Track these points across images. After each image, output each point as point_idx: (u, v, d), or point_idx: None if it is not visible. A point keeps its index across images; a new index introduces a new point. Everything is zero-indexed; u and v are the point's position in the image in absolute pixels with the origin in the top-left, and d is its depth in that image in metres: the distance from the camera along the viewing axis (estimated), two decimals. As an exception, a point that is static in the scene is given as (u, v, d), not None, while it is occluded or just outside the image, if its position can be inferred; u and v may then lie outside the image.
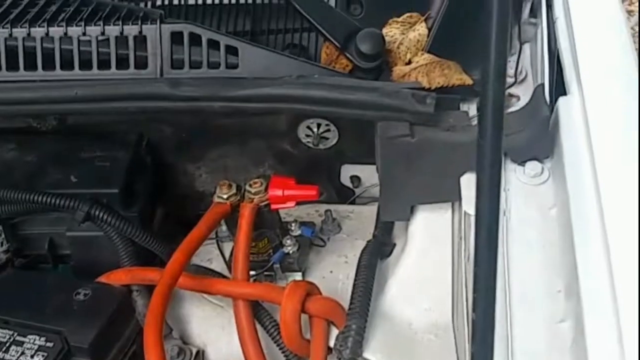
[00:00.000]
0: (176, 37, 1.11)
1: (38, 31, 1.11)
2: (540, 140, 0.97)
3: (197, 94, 1.07)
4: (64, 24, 1.11)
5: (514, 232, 0.88)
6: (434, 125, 1.03)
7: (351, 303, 1.04)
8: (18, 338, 1.05)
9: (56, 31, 1.11)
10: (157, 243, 1.21)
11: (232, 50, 1.11)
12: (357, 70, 1.16)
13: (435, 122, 1.03)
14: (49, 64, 1.11)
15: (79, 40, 1.10)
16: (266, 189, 1.14)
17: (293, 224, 1.19)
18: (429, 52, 1.17)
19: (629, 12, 3.39)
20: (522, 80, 1.17)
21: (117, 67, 1.11)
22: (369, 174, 1.35)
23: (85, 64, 1.10)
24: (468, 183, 0.99)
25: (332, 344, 1.05)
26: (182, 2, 1.34)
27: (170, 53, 1.10)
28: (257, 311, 1.10)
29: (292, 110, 1.12)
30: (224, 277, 1.17)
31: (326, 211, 1.28)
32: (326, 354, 1.05)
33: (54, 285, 1.16)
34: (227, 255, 1.23)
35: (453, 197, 1.03)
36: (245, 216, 1.12)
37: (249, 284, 1.11)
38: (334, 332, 1.06)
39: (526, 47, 1.23)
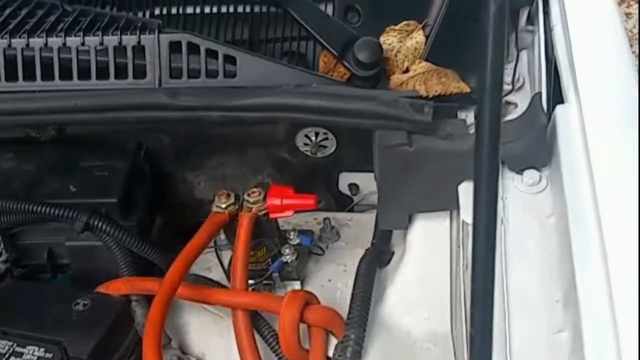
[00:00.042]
0: (174, 47, 1.11)
1: (37, 41, 1.11)
2: (538, 148, 0.97)
3: (195, 104, 1.08)
4: (62, 34, 1.11)
5: (512, 241, 0.88)
6: (432, 134, 1.03)
7: (350, 312, 1.04)
8: (17, 349, 1.05)
9: (55, 41, 1.11)
10: (156, 253, 1.21)
11: (230, 60, 1.11)
12: (355, 78, 1.16)
13: (433, 130, 1.03)
14: (47, 75, 1.11)
15: (77, 51, 1.11)
16: (264, 198, 1.14)
17: (292, 233, 1.19)
18: (426, 60, 1.17)
19: (627, 15, 3.40)
20: (520, 88, 1.18)
21: (116, 77, 1.11)
22: (367, 182, 1.35)
23: (84, 74, 1.11)
24: (466, 191, 0.99)
25: (330, 353, 1.05)
26: (181, 12, 1.34)
27: (168, 63, 1.11)
28: (256, 321, 1.10)
29: (291, 119, 1.13)
30: (223, 286, 1.17)
31: (325, 219, 1.28)
32: (325, 363, 1.05)
33: (53, 296, 1.16)
34: (225, 264, 1.24)
35: (451, 205, 1.03)
36: (243, 225, 1.12)
37: (247, 294, 1.11)
38: (333, 341, 1.06)
39: (523, 54, 1.23)
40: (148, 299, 1.12)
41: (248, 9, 1.32)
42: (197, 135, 1.33)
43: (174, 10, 1.34)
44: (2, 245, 1.24)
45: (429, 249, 1.08)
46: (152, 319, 1.03)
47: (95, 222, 1.17)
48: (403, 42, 1.19)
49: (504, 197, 0.93)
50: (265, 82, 1.10)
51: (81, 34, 1.11)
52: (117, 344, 1.10)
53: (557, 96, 1.03)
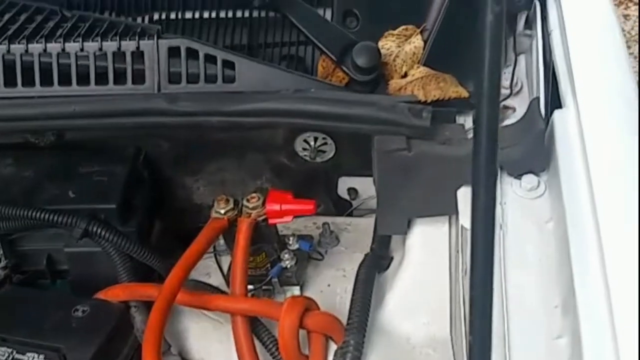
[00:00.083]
0: (173, 52, 1.11)
1: (36, 47, 1.11)
2: (536, 153, 0.97)
3: (194, 109, 1.08)
4: (61, 40, 1.11)
5: (511, 246, 0.88)
6: (431, 139, 1.04)
7: (349, 318, 1.04)
8: (17, 356, 1.05)
9: (54, 47, 1.11)
10: (155, 258, 1.21)
11: (229, 65, 1.11)
12: (354, 83, 1.16)
13: (432, 135, 1.04)
14: (46, 80, 1.11)
15: (76, 56, 1.11)
16: (263, 204, 1.14)
17: (291, 238, 1.19)
18: (424, 64, 1.18)
19: (625, 16, 3.41)
20: (518, 92, 1.18)
21: (115, 83, 1.11)
22: (366, 186, 1.35)
23: (83, 80, 1.11)
24: (464, 196, 0.99)
25: (330, 359, 1.05)
26: (180, 17, 1.34)
27: (167, 68, 1.11)
28: (255, 327, 1.10)
29: (289, 124, 1.13)
30: (222, 292, 1.17)
31: (324, 224, 1.28)
32: (325, 369, 1.05)
33: (53, 302, 1.16)
34: (225, 269, 1.24)
35: (450, 210, 1.03)
36: (242, 231, 1.12)
37: (247, 300, 1.11)
38: (333, 347, 1.06)
39: (521, 59, 1.24)
40: (147, 305, 1.12)
41: (247, 14, 1.32)
42: (196, 141, 1.33)
43: (172, 15, 1.34)
44: (1, 252, 1.24)
45: (428, 254, 1.08)
46: (152, 325, 1.03)
47: (94, 229, 1.17)
48: (401, 46, 1.20)
49: (502, 202, 0.93)
50: (264, 87, 1.10)
51: (80, 39, 1.11)
52: (117, 350, 1.10)
53: (555, 101, 1.03)
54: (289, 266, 1.16)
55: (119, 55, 1.11)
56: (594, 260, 0.79)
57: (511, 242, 0.88)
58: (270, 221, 1.15)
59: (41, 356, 1.04)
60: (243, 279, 1.10)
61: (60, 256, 1.24)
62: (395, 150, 1.02)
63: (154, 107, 1.08)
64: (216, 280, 1.23)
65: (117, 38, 1.11)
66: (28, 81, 1.11)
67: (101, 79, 1.11)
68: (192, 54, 1.11)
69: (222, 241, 1.24)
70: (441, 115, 1.06)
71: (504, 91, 1.17)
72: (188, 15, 1.34)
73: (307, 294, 1.18)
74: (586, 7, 1.16)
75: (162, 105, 1.07)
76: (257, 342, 1.09)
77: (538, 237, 0.89)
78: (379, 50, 1.16)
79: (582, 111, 0.96)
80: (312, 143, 1.31)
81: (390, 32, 1.21)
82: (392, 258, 1.17)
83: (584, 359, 0.71)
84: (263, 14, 1.31)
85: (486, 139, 0.65)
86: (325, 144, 1.31)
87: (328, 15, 1.29)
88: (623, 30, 3.31)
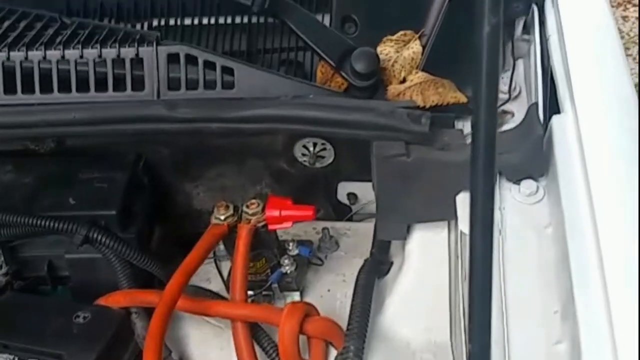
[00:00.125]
0: (172, 59, 1.12)
1: (35, 54, 1.12)
2: (535, 159, 0.97)
3: (194, 116, 1.08)
4: (61, 47, 1.12)
5: (510, 251, 0.88)
6: (429, 144, 1.04)
7: (349, 324, 1.04)
8: (18, 362, 1.05)
9: (53, 54, 1.11)
10: (155, 264, 1.21)
11: (228, 71, 1.12)
12: (352, 88, 1.16)
13: (431, 141, 1.04)
14: (46, 87, 1.11)
15: (76, 63, 1.11)
16: (263, 210, 1.14)
17: (290, 244, 1.19)
18: (423, 70, 1.18)
19: (624, 18, 3.41)
20: (516, 97, 1.18)
21: (115, 89, 1.11)
22: (365, 191, 1.35)
23: (83, 87, 1.11)
24: (463, 202, 0.99)
25: (331, 364, 1.05)
26: (179, 23, 1.34)
27: (166, 74, 1.11)
28: (256, 332, 1.10)
29: (289, 130, 1.13)
30: (222, 297, 1.17)
31: (323, 229, 1.29)
32: (325, 375, 1.05)
33: (54, 309, 1.17)
34: (225, 274, 1.24)
35: (449, 216, 1.04)
36: (242, 237, 1.13)
37: (247, 306, 1.11)
38: (333, 352, 1.06)
39: (520, 63, 1.24)
40: (148, 311, 1.12)
41: (245, 20, 1.33)
42: (196, 147, 1.34)
43: (171, 22, 1.34)
44: (2, 258, 1.24)
45: (427, 260, 1.09)
46: (153, 332, 1.03)
47: (95, 235, 1.17)
48: (400, 52, 1.20)
49: (501, 208, 0.93)
50: (263, 93, 1.10)
51: (80, 46, 1.12)
52: (118, 356, 1.10)
53: (553, 106, 1.03)
54: (289, 272, 1.16)
55: (118, 62, 1.11)
56: (593, 265, 0.79)
57: (510, 247, 0.88)
58: (270, 227, 1.15)
59: (42, 363, 1.05)
60: (243, 285, 1.10)
61: (61, 263, 1.25)
62: (394, 156, 1.03)
63: (153, 114, 1.08)
64: (216, 285, 1.23)
65: (117, 45, 1.11)
66: (28, 88, 1.11)
67: (101, 85, 1.11)
68: (191, 60, 1.11)
69: (222, 246, 1.24)
70: (440, 121, 1.07)
71: (503, 96, 1.17)
72: (187, 21, 1.34)
73: (307, 299, 1.18)
74: (584, 12, 1.16)
75: (161, 111, 1.07)
76: (257, 348, 1.10)
77: (537, 243, 0.89)
78: (377, 55, 1.16)
79: (580, 116, 0.96)
80: (311, 149, 1.31)
81: (389, 37, 1.21)
82: (391, 263, 1.18)
83: (583, 365, 0.71)
84: (262, 19, 1.32)
85: (484, 145, 0.65)
86: (325, 149, 1.31)
87: (327, 21, 1.29)
88: (622, 31, 3.32)
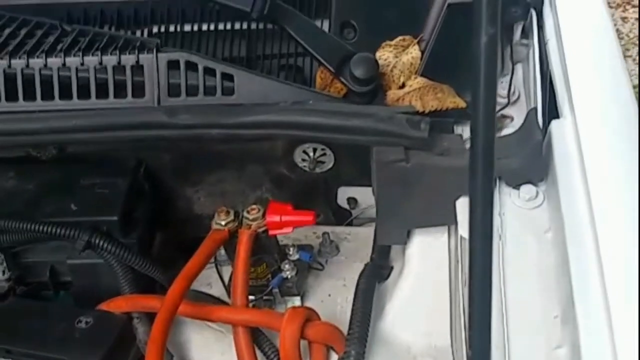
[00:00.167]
0: (173, 66, 1.12)
1: (37, 62, 1.12)
2: (534, 164, 0.98)
3: (194, 122, 1.08)
4: (62, 54, 1.12)
5: (510, 256, 0.88)
6: (429, 150, 1.04)
7: (350, 328, 1.04)
8: (20, 368, 1.06)
9: (54, 62, 1.12)
10: (157, 269, 1.22)
11: (228, 77, 1.12)
12: (352, 94, 1.17)
13: (430, 146, 1.04)
14: (47, 94, 1.12)
15: (77, 70, 1.12)
16: (264, 215, 1.15)
17: (291, 249, 1.20)
18: (422, 75, 1.18)
19: (623, 19, 3.42)
20: (515, 101, 1.19)
21: (115, 96, 1.12)
22: (365, 196, 1.36)
23: (84, 94, 1.12)
24: (463, 207, 1.00)
25: (331, 369, 1.06)
26: (179, 29, 1.35)
27: (167, 81, 1.12)
28: (257, 337, 1.11)
29: (288, 136, 1.14)
30: (224, 302, 1.18)
31: (324, 234, 1.29)
32: (326, 379, 1.06)
33: (56, 314, 1.17)
34: (226, 279, 1.24)
35: (449, 220, 1.04)
36: (243, 242, 1.13)
37: (248, 311, 1.12)
38: (334, 357, 1.07)
39: (518, 68, 1.24)
40: (150, 316, 1.13)
41: (245, 26, 1.33)
42: (196, 152, 1.34)
43: (171, 28, 1.35)
44: (4, 264, 1.25)
45: (427, 265, 1.09)
46: (155, 336, 1.03)
47: (97, 241, 1.18)
48: (399, 57, 1.20)
49: (501, 213, 0.94)
50: (262, 99, 1.11)
51: (80, 53, 1.12)
52: (120, 361, 1.11)
53: (552, 110, 1.04)
54: (289, 276, 1.17)
55: (118, 69, 1.12)
56: (593, 270, 0.79)
57: (510, 252, 0.89)
58: (271, 232, 1.16)
59: (45, 368, 1.05)
60: (244, 290, 1.11)
61: (63, 268, 1.25)
62: (394, 161, 1.03)
63: (154, 120, 1.08)
64: (217, 290, 1.23)
65: (117, 52, 1.12)
66: (29, 95, 1.12)
67: (101, 92, 1.12)
68: (191, 66, 1.12)
69: (223, 251, 1.25)
70: (439, 126, 1.07)
71: (502, 100, 1.17)
72: (187, 28, 1.34)
73: (308, 304, 1.19)
74: (582, 16, 1.17)
75: (161, 118, 1.08)
76: (258, 353, 1.10)
77: (537, 247, 0.90)
78: (376, 61, 1.17)
79: (579, 121, 0.96)
80: (311, 154, 1.31)
81: (388, 42, 1.21)
82: (392, 268, 1.18)
83: (583, 370, 0.72)
84: (261, 26, 1.32)
85: (483, 150, 0.66)
86: (325, 154, 1.32)
87: (325, 27, 1.29)
88: (621, 33, 3.32)
